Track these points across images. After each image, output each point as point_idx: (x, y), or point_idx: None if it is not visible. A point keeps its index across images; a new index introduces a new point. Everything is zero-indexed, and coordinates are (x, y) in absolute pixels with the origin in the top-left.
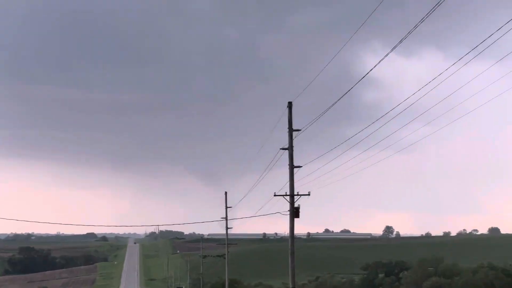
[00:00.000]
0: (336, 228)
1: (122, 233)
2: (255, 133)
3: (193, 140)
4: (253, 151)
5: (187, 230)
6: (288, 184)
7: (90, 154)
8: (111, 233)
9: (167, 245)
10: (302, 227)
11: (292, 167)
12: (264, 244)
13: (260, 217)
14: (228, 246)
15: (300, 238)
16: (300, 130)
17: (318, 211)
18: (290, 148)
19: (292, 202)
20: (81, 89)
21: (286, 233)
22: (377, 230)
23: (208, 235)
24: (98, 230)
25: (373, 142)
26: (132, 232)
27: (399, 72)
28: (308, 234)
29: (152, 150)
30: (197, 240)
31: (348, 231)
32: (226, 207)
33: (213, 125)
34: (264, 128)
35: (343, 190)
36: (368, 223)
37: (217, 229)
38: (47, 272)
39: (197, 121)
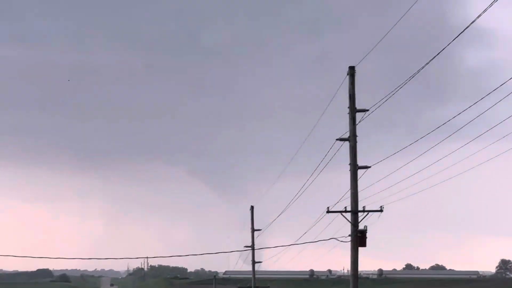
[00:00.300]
0: (424, 263)
1: (93, 269)
2: (296, 114)
3: (202, 125)
4: (294, 142)
5: (192, 265)
6: (347, 194)
7: (40, 147)
8: (75, 270)
9: None
10: (370, 261)
11: (355, 167)
12: (312, 286)
13: (305, 245)
14: None
15: (367, 279)
16: (367, 110)
17: (396, 237)
18: (352, 138)
19: (355, 223)
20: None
21: (345, 270)
22: (488, 265)
23: (225, 272)
24: (55, 265)
25: (483, 129)
26: (107, 268)
27: None
28: (380, 271)
29: (138, 141)
30: (208, 281)
31: (442, 268)
32: (253, 230)
33: (234, 100)
34: (310, 107)
35: (433, 204)
36: (474, 256)
37: (239, 264)
38: None
39: (209, 91)
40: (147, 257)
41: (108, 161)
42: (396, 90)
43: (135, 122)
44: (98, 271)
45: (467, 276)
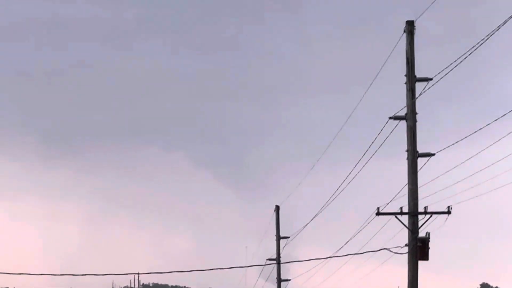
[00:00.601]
0: (506, 283)
1: None
2: (336, 86)
3: (213, 98)
4: (333, 122)
5: (198, 283)
6: (403, 191)
7: None
8: None
9: None
10: (434, 280)
11: (414, 155)
12: None
13: (346, 258)
14: None
15: None
16: (430, 79)
17: (468, 248)
18: (411, 116)
19: (414, 229)
20: None
21: None
22: None
23: None
24: (16, 283)
25: None
26: None
27: None
28: None
29: (126, 120)
30: None
31: None
32: (278, 238)
33: (255, 65)
34: (355, 77)
35: None
36: None
37: (259, 283)
38: None
39: (221, 49)
40: (138, 273)
41: (85, 147)
42: (470, 52)
43: (122, 93)
44: None
45: None
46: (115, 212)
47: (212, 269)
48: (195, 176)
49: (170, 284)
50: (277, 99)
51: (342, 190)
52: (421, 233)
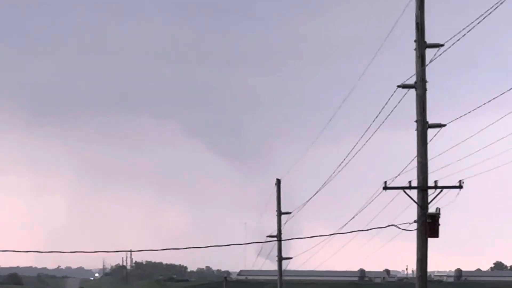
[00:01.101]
0: None
1: (54, 267)
2: (342, 53)
3: (207, 63)
4: (338, 90)
5: (194, 262)
6: (412, 164)
7: None
8: (29, 268)
9: None
10: (445, 259)
11: (423, 126)
12: None
13: (352, 235)
14: None
15: (440, 282)
16: (441, 45)
17: (480, 225)
18: (420, 85)
19: (423, 204)
20: None
21: (410, 271)
22: None
23: (240, 273)
24: (1, 261)
25: None
26: (75, 266)
27: None
28: (459, 272)
29: (115, 86)
30: (217, 284)
31: None
32: (279, 214)
33: (254, 26)
34: (361, 42)
35: None
36: None
37: (259, 261)
38: None
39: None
40: (130, 251)
41: (72, 115)
42: (483, 17)
43: (113, 61)
44: (62, 269)
45: None
46: (105, 185)
47: (209, 246)
48: (189, 147)
49: (164, 262)
50: (280, 66)
51: (347, 163)
52: (431, 209)
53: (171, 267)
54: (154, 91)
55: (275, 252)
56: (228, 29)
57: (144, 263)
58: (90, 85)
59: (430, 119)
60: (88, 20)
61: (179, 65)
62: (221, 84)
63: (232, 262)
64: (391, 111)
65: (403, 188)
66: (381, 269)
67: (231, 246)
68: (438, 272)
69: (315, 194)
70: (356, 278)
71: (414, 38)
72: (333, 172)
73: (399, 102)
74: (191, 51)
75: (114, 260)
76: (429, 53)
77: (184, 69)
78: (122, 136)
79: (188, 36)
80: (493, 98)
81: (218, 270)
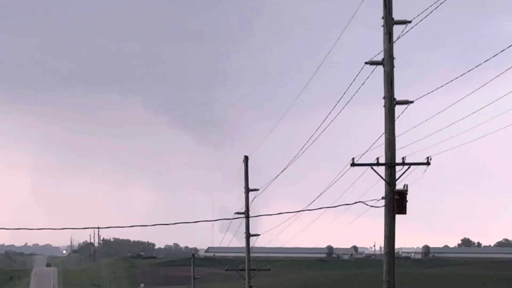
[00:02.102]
0: (487, 238)
1: (22, 244)
2: (310, 29)
3: (175, 39)
4: (306, 66)
5: (162, 239)
6: (380, 141)
7: None
8: None
9: (118, 272)
10: (413, 235)
11: (391, 103)
12: (331, 269)
13: (320, 211)
14: (251, 274)
15: (408, 259)
16: (408, 22)
17: (448, 202)
18: (388, 61)
19: (391, 181)
20: None
21: (377, 247)
22: None
23: (208, 250)
24: None
25: None
26: (42, 243)
27: None
28: (427, 249)
29: (81, 63)
30: (184, 261)
31: None
32: (247, 191)
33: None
34: (329, 19)
35: (501, 155)
36: None
37: (227, 239)
38: None
39: None
40: (98, 228)
41: (37, 92)
42: None
43: (79, 37)
44: (29, 246)
45: None
46: (71, 161)
47: (177, 223)
48: (156, 124)
49: (132, 239)
50: (247, 42)
51: (315, 140)
52: (399, 186)
53: (139, 244)
54: (119, 67)
55: (243, 229)
56: (194, 5)
57: (111, 240)
58: (54, 62)
59: (398, 96)
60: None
61: (143, 41)
62: (187, 60)
63: (200, 239)
64: (359, 88)
65: (371, 164)
66: (349, 246)
67: (199, 223)
68: (406, 248)
69: (282, 171)
70: (324, 255)
71: (381, 14)
72: (301, 149)
73: (367, 79)
74: (156, 28)
75: (81, 237)
76: (397, 29)
77: (149, 46)
78: (87, 112)
79: (153, 13)
80: (461, 75)
81: (186, 247)
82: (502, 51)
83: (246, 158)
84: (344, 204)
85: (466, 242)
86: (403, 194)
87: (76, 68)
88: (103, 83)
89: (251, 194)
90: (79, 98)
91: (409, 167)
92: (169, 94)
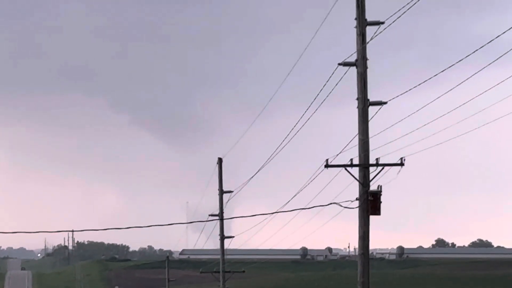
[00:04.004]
0: (462, 239)
1: None
2: (284, 30)
3: (145, 37)
4: (280, 68)
5: (136, 241)
6: (354, 142)
7: None
8: None
9: (93, 275)
10: (387, 236)
11: (364, 104)
12: (305, 271)
13: (294, 213)
14: (225, 276)
15: (382, 260)
16: (382, 23)
17: (422, 202)
18: (361, 63)
19: (365, 182)
20: None
21: (351, 249)
22: None
23: (182, 252)
24: None
25: None
26: (16, 247)
27: None
28: (401, 250)
29: (45, 63)
30: (159, 264)
31: (488, 245)
32: (221, 193)
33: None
34: (302, 21)
35: (476, 156)
36: None
37: (201, 241)
38: None
39: None
40: (72, 231)
41: (4, 94)
42: None
43: (40, 35)
44: (3, 250)
45: None
46: (41, 165)
47: (151, 225)
48: (128, 126)
49: (106, 242)
50: (221, 42)
51: (288, 141)
52: (373, 186)
53: (113, 247)
54: (86, 68)
55: (217, 231)
56: (168, 4)
57: (86, 243)
58: (17, 63)
59: (371, 97)
60: None
61: (114, 41)
62: (160, 59)
63: (174, 242)
64: (332, 89)
65: (344, 166)
66: (323, 247)
67: (173, 225)
68: (380, 249)
69: (256, 172)
70: (298, 256)
71: (354, 15)
72: (275, 151)
73: (340, 80)
74: (128, 27)
75: (56, 240)
76: (370, 30)
77: (119, 46)
78: (55, 115)
79: (125, 12)
80: (434, 76)
81: (160, 250)
82: (475, 51)
83: (220, 160)
84: (318, 206)
85: (440, 243)
86: (377, 195)
87: (41, 69)
88: (70, 84)
89: (225, 196)
90: (46, 100)
91: (383, 168)
92: (141, 95)
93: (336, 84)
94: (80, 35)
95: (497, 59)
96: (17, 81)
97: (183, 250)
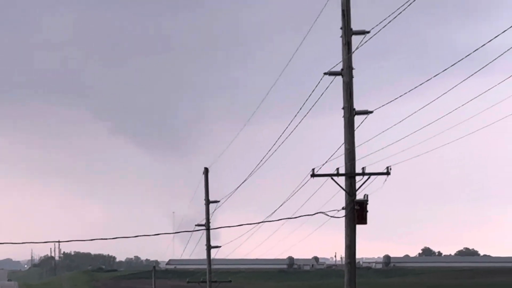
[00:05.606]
0: (448, 247)
1: None
2: (270, 40)
3: (126, 45)
4: (265, 78)
5: (122, 252)
6: (340, 151)
7: None
8: None
9: (80, 286)
10: (374, 245)
11: (350, 113)
12: (292, 280)
13: (280, 223)
14: (212, 286)
15: (369, 269)
16: (367, 32)
17: (408, 211)
18: (347, 72)
19: (351, 191)
20: None
21: (338, 258)
22: None
23: (169, 262)
24: None
25: None
26: (3, 257)
27: None
28: (387, 259)
29: (23, 71)
30: (145, 274)
31: (474, 253)
32: (208, 203)
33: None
34: (289, 30)
35: (461, 164)
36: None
37: (187, 251)
38: None
39: None
40: (59, 241)
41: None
42: (409, 3)
43: (18, 43)
44: None
45: (510, 265)
46: (23, 176)
47: (137, 236)
48: (114, 136)
49: (92, 253)
50: (206, 52)
51: (275, 151)
52: (359, 196)
53: (99, 257)
54: (69, 77)
55: (203, 241)
56: (154, 13)
57: (72, 253)
58: None
59: (357, 106)
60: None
61: (99, 50)
62: (145, 69)
63: (160, 252)
64: (318, 99)
65: (331, 175)
66: (310, 257)
67: (159, 235)
68: (367, 258)
69: (242, 182)
70: (285, 266)
71: (340, 25)
72: (261, 160)
73: (326, 89)
74: (113, 36)
75: (42, 251)
76: (356, 40)
77: (104, 55)
78: (36, 125)
79: (111, 21)
80: (419, 85)
81: (147, 260)
82: (460, 60)
83: (206, 170)
84: (304, 215)
85: (426, 251)
86: (363, 204)
87: (20, 78)
88: (50, 95)
89: (211, 206)
90: (25, 110)
91: (369, 177)
92: (127, 105)
93: (322, 94)
94: (63, 43)
95: (482, 68)
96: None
97: (169, 260)
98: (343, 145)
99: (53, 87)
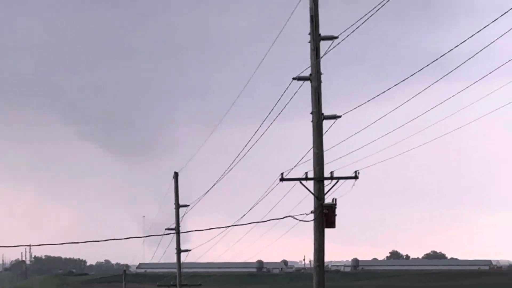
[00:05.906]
0: (416, 251)
1: None
2: (239, 45)
3: (99, 48)
4: (235, 83)
5: (93, 256)
6: (309, 155)
7: None
8: None
9: None
10: (342, 249)
11: (319, 118)
12: (261, 284)
13: (249, 227)
14: None
15: (338, 272)
16: (335, 38)
17: (376, 215)
18: (315, 77)
19: (319, 195)
20: None
21: (307, 261)
22: (503, 253)
23: (139, 266)
24: None
25: (492, 65)
26: None
27: None
28: (356, 262)
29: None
30: (116, 278)
31: (441, 257)
32: (177, 207)
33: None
34: (258, 36)
35: (429, 169)
36: (485, 240)
37: (158, 255)
38: None
39: None
40: (29, 245)
41: None
42: (376, 9)
43: None
44: None
45: (476, 268)
46: None
47: (108, 240)
48: (83, 140)
49: (63, 256)
50: (175, 56)
51: (244, 155)
52: (327, 200)
53: (70, 261)
54: (37, 81)
55: (174, 244)
56: (123, 17)
57: (43, 257)
58: None
59: (326, 111)
60: None
61: (69, 53)
62: (114, 72)
63: (131, 256)
64: (287, 103)
65: (299, 179)
66: (279, 260)
67: (130, 239)
68: (336, 262)
69: (212, 187)
70: (254, 270)
71: (308, 30)
72: (230, 165)
73: (294, 94)
74: (83, 40)
75: (13, 255)
76: (324, 45)
77: (73, 58)
78: (8, 128)
79: (82, 24)
80: (387, 90)
81: (117, 264)
82: (426, 65)
83: (176, 174)
84: (273, 219)
85: (394, 255)
86: (332, 208)
87: None
88: (20, 99)
89: (181, 209)
90: (3, 112)
91: (337, 181)
92: (95, 109)
93: (291, 99)
94: (33, 48)
95: (448, 74)
96: None
97: (140, 264)
98: (312, 149)
99: (21, 90)
